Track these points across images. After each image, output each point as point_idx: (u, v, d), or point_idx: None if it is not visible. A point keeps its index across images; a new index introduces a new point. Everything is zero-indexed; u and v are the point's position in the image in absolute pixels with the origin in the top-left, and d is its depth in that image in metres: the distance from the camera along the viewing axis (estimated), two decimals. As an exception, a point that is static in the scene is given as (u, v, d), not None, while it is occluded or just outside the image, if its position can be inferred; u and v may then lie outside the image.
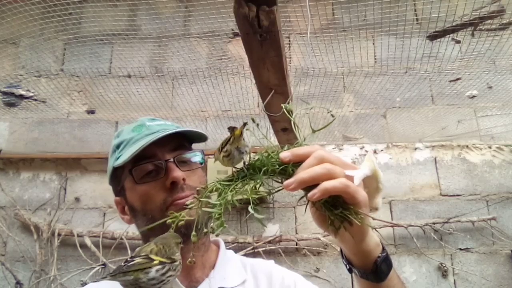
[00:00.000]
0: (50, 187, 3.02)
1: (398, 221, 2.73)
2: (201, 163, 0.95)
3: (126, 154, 0.87)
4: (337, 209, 0.61)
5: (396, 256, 2.69)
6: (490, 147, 2.91)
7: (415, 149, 2.94)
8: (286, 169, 0.62)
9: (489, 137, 2.92)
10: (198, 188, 0.66)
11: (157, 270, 0.65)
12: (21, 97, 3.05)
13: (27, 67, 3.14)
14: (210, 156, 2.96)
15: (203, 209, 0.63)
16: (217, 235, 0.64)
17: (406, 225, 2.68)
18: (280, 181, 0.65)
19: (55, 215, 2.82)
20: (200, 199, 0.64)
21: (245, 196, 0.63)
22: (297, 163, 0.62)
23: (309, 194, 0.58)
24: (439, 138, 2.90)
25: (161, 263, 0.66)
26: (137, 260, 0.66)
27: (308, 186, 0.60)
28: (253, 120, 0.72)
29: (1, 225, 2.86)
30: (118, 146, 0.92)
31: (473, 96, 2.77)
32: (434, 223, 2.68)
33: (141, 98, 2.70)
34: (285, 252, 2.70)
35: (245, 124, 0.69)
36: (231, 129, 0.69)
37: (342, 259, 0.74)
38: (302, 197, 0.66)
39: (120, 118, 2.96)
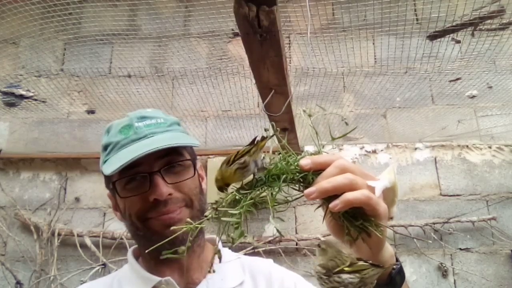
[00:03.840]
0: (50, 187, 3.02)
1: (398, 221, 2.73)
2: (194, 167, 0.90)
3: (111, 165, 0.82)
4: (357, 220, 0.60)
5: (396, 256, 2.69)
6: (490, 147, 2.91)
7: (415, 149, 2.94)
8: (306, 177, 0.60)
9: (489, 137, 2.92)
10: (216, 199, 0.64)
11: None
12: (21, 97, 3.05)
13: (27, 67, 3.14)
14: (210, 156, 2.97)
15: (222, 219, 0.61)
16: (234, 244, 0.63)
17: (406, 225, 2.68)
18: (297, 188, 0.63)
19: (55, 215, 2.82)
20: (218, 208, 0.62)
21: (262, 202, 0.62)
22: (317, 171, 0.60)
23: (331, 205, 0.57)
24: (439, 138, 2.90)
25: None
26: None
27: (329, 195, 0.58)
28: (273, 126, 0.69)
29: (1, 225, 2.86)
30: (105, 148, 0.88)
31: (473, 96, 2.77)
32: (434, 223, 2.68)
33: (141, 98, 2.70)
34: (285, 252, 2.70)
35: (272, 135, 0.67)
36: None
37: None
38: (319, 207, 0.64)
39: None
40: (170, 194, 0.83)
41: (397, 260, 0.69)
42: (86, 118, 3.09)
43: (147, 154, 0.80)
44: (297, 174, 0.61)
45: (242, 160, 0.64)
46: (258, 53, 1.28)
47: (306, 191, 0.58)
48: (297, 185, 0.63)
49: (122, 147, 0.84)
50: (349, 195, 0.57)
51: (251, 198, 0.61)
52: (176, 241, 0.67)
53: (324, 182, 0.57)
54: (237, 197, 0.62)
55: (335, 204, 0.56)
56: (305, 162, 0.60)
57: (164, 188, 0.82)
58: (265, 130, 0.68)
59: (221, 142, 2.94)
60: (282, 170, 0.62)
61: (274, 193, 0.62)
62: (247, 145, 0.67)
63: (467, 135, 2.89)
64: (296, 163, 0.62)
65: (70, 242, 2.78)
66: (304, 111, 0.69)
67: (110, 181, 0.89)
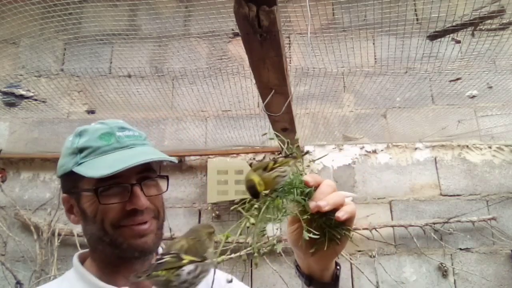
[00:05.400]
0: (50, 187, 3.02)
1: (398, 221, 2.73)
2: (167, 182, 0.96)
3: (96, 168, 0.84)
4: (338, 228, 0.72)
5: (396, 256, 2.69)
6: (490, 147, 2.91)
7: (415, 149, 2.94)
8: (310, 192, 0.72)
9: (489, 137, 2.92)
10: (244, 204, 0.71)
11: (188, 272, 0.63)
12: (21, 97, 3.05)
13: (27, 67, 3.14)
14: (210, 156, 2.97)
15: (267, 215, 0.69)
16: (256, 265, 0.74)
17: (406, 225, 2.68)
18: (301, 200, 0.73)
19: (55, 215, 2.82)
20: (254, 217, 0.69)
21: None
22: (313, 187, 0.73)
23: (339, 214, 0.69)
24: (439, 138, 2.90)
25: (191, 262, 0.63)
26: (167, 258, 0.63)
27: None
28: (289, 143, 0.80)
29: (1, 225, 2.86)
30: (81, 150, 0.88)
31: (473, 96, 2.77)
32: (434, 223, 2.68)
33: (141, 98, 2.70)
34: (285, 252, 2.69)
35: (306, 152, 0.80)
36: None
37: (300, 275, 0.83)
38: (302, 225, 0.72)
39: (120, 118, 2.95)
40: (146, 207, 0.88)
41: (336, 263, 0.83)
42: (86, 118, 3.08)
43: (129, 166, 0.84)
44: (304, 188, 0.72)
45: (283, 169, 0.72)
46: (258, 53, 1.28)
47: (319, 203, 0.69)
48: (299, 197, 0.73)
49: (104, 153, 0.87)
50: (349, 208, 0.71)
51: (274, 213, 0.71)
52: (146, 251, 0.87)
53: (335, 198, 0.71)
54: (257, 205, 0.70)
55: (343, 214, 0.70)
56: (310, 179, 0.72)
57: (144, 200, 0.87)
58: (306, 151, 0.78)
59: (221, 142, 2.94)
60: (292, 185, 0.73)
61: (280, 205, 0.71)
62: (284, 156, 0.76)
63: (467, 135, 2.89)
64: (298, 178, 0.73)
65: (70, 242, 2.78)
66: (264, 134, 0.82)
67: (75, 187, 0.89)
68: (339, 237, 0.72)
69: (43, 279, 2.68)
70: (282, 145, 0.81)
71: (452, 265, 2.65)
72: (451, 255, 2.69)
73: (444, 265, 2.63)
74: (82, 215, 0.90)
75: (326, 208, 0.69)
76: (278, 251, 0.82)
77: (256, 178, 0.70)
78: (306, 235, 0.68)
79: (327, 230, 0.72)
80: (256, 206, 0.70)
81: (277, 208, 0.71)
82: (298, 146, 0.79)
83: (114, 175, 0.83)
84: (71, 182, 0.90)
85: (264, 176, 0.71)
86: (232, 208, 0.79)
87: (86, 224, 0.90)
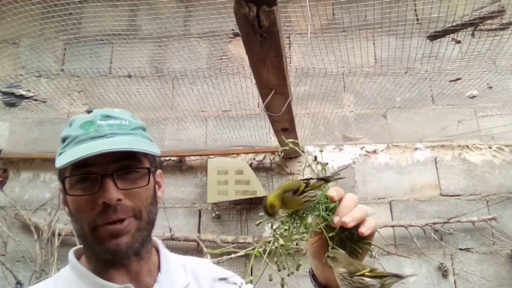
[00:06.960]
0: (50, 187, 3.02)
1: (398, 221, 2.73)
2: (152, 172, 0.87)
3: (63, 158, 0.79)
4: (359, 242, 0.73)
5: (396, 256, 2.69)
6: (490, 147, 2.90)
7: (415, 149, 2.94)
8: (334, 207, 0.72)
9: (489, 137, 2.92)
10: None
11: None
12: (21, 97, 3.05)
13: (27, 67, 3.14)
14: (210, 156, 2.97)
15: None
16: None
17: (407, 225, 2.68)
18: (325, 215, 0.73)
19: (55, 215, 2.82)
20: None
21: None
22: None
23: (363, 230, 0.70)
24: (439, 138, 2.90)
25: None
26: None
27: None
28: (315, 158, 0.83)
29: (1, 225, 2.86)
30: (63, 140, 0.85)
31: (473, 96, 2.77)
32: (434, 223, 2.68)
33: (141, 98, 2.70)
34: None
35: (339, 177, 0.79)
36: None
37: (315, 285, 0.82)
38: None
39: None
40: (119, 200, 0.80)
41: None
42: (86, 118, 3.08)
43: (103, 155, 0.77)
44: (329, 204, 0.73)
45: (313, 193, 0.71)
46: (258, 53, 1.28)
47: (345, 219, 0.69)
48: (324, 212, 0.73)
49: (79, 142, 0.81)
50: (372, 223, 0.71)
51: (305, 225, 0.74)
52: (119, 253, 0.80)
53: (358, 212, 0.70)
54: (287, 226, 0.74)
55: (366, 230, 0.70)
56: (334, 194, 0.72)
57: (114, 192, 0.79)
58: (335, 173, 0.78)
59: (221, 142, 2.94)
60: (318, 200, 0.73)
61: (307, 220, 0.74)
62: (316, 179, 0.75)
63: (467, 135, 2.89)
64: (324, 194, 0.73)
65: (70, 242, 2.77)
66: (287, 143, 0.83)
67: (61, 175, 0.85)
68: (360, 251, 0.73)
69: (43, 279, 2.68)
70: (308, 159, 0.85)
71: (452, 265, 2.65)
72: (451, 255, 2.69)
73: (444, 265, 2.63)
74: (68, 209, 0.86)
75: (351, 224, 0.68)
76: (306, 271, 0.82)
77: (271, 200, 0.70)
78: (331, 253, 0.70)
79: (348, 244, 0.73)
80: (286, 227, 0.73)
81: (304, 227, 0.73)
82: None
83: (88, 164, 0.78)
84: (59, 173, 0.86)
85: (293, 199, 0.71)
86: (257, 223, 0.79)
87: (71, 220, 0.86)
